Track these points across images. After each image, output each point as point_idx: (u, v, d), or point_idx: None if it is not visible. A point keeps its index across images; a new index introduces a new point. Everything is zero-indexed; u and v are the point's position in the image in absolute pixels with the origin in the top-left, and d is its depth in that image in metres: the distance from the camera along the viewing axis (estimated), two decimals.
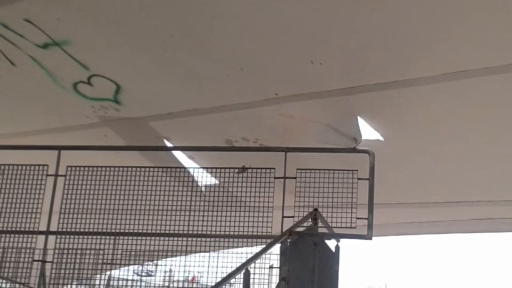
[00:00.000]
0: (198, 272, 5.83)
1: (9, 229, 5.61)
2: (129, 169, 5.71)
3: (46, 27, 4.95)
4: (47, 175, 5.75)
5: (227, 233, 5.48)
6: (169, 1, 4.55)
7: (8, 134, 6.93)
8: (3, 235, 5.62)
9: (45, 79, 5.67)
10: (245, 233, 5.45)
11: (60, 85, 5.80)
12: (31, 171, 5.75)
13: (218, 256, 5.63)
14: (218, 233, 5.49)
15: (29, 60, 5.39)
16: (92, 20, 4.83)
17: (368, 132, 6.02)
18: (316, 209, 5.51)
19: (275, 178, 5.55)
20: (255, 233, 5.43)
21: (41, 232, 5.61)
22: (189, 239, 5.53)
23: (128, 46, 5.17)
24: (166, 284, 6.95)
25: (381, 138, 6.18)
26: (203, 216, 5.48)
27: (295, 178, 5.57)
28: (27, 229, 5.59)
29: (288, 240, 5.34)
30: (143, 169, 5.71)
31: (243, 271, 5.07)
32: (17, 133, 6.93)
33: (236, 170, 5.74)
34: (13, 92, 6.10)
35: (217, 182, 5.97)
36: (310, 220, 5.53)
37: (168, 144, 6.91)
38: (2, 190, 5.72)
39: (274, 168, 5.58)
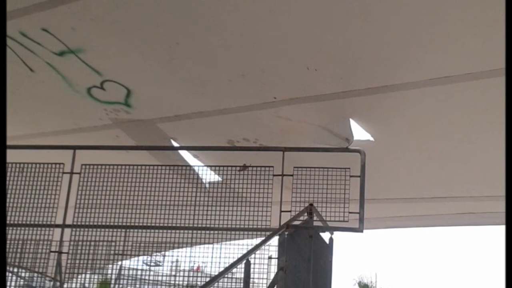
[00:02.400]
0: (203, 262, 5.83)
1: (28, 222, 5.63)
2: (139, 167, 5.73)
3: (62, 36, 4.95)
4: (63, 172, 5.77)
5: (229, 226, 5.50)
6: (176, 12, 4.56)
7: (27, 135, 6.93)
8: (23, 228, 5.63)
9: (61, 84, 5.68)
10: (246, 226, 5.46)
11: (75, 90, 5.81)
12: (48, 169, 5.77)
13: (221, 248, 5.64)
14: (221, 226, 5.51)
15: (47, 66, 5.39)
16: (105, 29, 4.84)
17: (359, 133, 6.03)
18: (311, 204, 5.53)
19: (274, 175, 5.57)
20: (255, 226, 5.45)
21: (57, 225, 5.62)
22: (194, 232, 5.54)
23: (138, 54, 5.17)
24: (173, 273, 6.95)
25: (371, 139, 6.19)
26: (207, 210, 5.50)
27: (292, 175, 5.59)
28: (44, 223, 5.61)
29: (286, 233, 5.33)
30: (151, 167, 5.73)
31: (244, 261, 5.07)
32: (35, 134, 6.93)
33: (238, 168, 5.75)
34: (32, 96, 6.10)
35: (220, 179, 5.98)
36: (306, 214, 5.54)
37: (175, 144, 6.91)
38: (22, 187, 5.73)
39: (272, 166, 5.60)
